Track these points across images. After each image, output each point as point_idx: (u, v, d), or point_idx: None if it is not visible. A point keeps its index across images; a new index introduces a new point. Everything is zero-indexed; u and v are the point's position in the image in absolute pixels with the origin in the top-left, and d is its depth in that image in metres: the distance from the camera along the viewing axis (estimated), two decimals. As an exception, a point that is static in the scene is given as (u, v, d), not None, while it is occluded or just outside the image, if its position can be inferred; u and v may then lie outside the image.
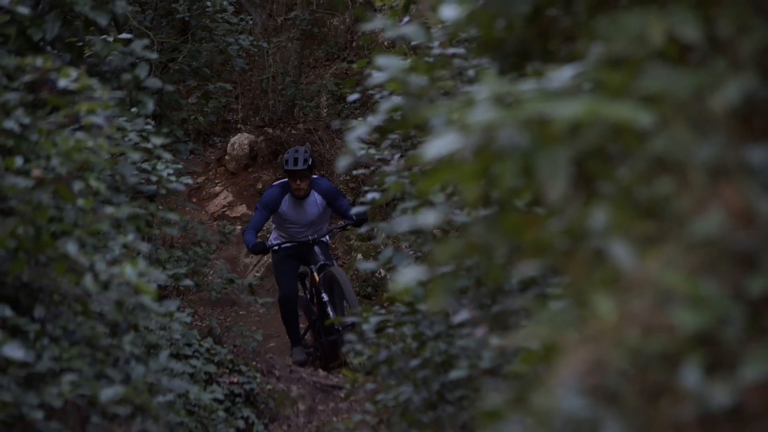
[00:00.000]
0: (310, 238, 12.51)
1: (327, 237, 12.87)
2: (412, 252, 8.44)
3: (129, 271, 5.27)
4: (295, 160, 12.29)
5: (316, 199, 12.53)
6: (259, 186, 16.99)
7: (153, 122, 7.80)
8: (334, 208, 12.57)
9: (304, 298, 13.15)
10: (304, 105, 17.81)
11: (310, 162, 12.36)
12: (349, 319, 8.43)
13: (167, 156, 7.27)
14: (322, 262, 12.52)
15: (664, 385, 2.27)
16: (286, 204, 12.50)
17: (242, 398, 11.92)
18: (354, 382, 9.13)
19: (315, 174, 13.07)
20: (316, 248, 12.58)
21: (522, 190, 2.55)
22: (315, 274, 12.52)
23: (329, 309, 12.33)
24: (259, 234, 12.65)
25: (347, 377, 9.24)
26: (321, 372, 12.38)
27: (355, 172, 8.57)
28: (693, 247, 2.32)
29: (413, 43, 4.14)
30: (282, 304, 12.74)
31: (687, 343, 2.23)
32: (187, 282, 8.30)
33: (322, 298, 12.40)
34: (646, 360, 2.28)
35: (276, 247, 12.46)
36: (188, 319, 9.61)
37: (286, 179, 12.54)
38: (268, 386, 12.51)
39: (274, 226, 12.91)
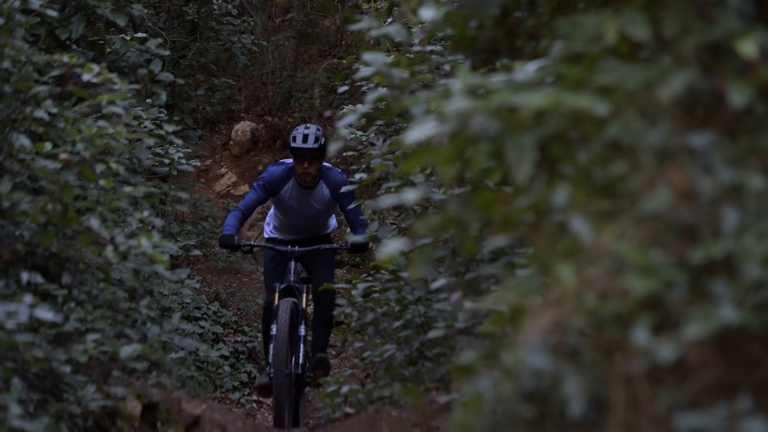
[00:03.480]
0: (291, 249, 9.02)
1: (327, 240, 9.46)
2: (395, 226, 8.44)
3: (145, 243, 5.27)
4: (305, 137, 8.79)
5: (323, 191, 9.08)
6: (260, 168, 16.95)
7: (166, 111, 7.78)
8: (339, 205, 9.14)
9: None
10: (300, 96, 17.78)
11: (322, 142, 8.78)
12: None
13: (178, 141, 7.26)
14: (289, 283, 8.97)
15: (617, 343, 2.27)
16: (289, 190, 9.09)
17: (245, 355, 11.93)
18: (344, 341, 9.14)
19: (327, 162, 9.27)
20: (292, 264, 9.06)
21: (492, 171, 2.54)
22: (275, 294, 8.89)
23: (271, 345, 8.61)
24: (249, 219, 10.07)
25: (339, 336, 9.25)
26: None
27: (344, 154, 8.53)
28: (643, 222, 2.32)
29: (396, 41, 4.12)
30: (265, 313, 9.23)
31: (637, 305, 2.23)
32: (196, 252, 8.30)
33: (270, 329, 8.71)
34: (601, 321, 2.28)
35: (246, 248, 8.97)
36: (197, 286, 9.63)
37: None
38: (268, 344, 12.52)
39: (273, 206, 9.51)
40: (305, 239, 9.39)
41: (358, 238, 8.15)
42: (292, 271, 9.01)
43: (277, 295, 8.83)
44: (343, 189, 7.87)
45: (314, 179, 8.95)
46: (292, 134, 8.92)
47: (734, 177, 2.25)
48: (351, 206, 8.73)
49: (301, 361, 8.73)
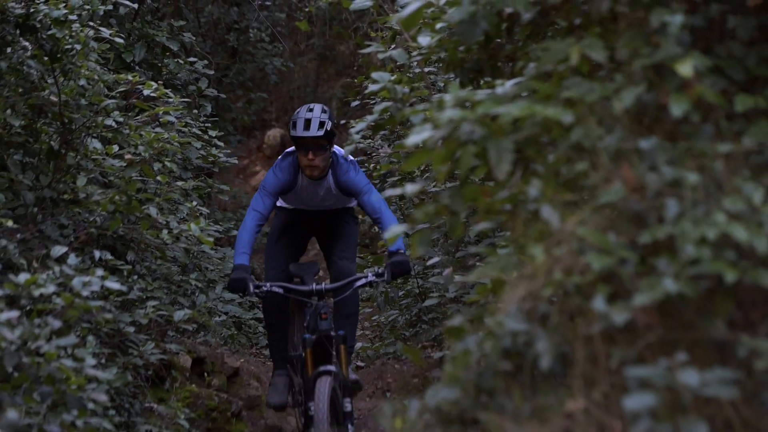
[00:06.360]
0: (317, 287, 5.68)
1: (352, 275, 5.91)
2: (398, 213, 8.41)
3: (194, 227, 5.28)
4: (306, 123, 5.73)
5: (331, 186, 5.97)
6: (288, 166, 16.93)
7: (210, 120, 7.78)
8: (360, 204, 5.94)
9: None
10: (320, 108, 17.77)
11: (329, 127, 5.76)
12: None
13: (221, 144, 7.25)
14: (320, 333, 5.64)
15: (579, 309, 2.27)
16: (300, 186, 5.97)
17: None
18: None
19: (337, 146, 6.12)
20: (320, 305, 5.71)
21: (478, 169, 2.54)
22: (304, 342, 5.65)
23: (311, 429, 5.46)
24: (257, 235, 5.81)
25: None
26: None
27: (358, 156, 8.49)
28: (601, 210, 2.32)
29: (398, 62, 4.12)
30: (268, 305, 6.09)
31: (596, 278, 2.23)
32: (235, 232, 8.28)
33: (308, 407, 5.53)
34: (566, 291, 2.28)
35: (261, 293, 5.62)
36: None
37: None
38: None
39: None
40: (320, 212, 6.26)
41: (399, 246, 5.62)
42: (321, 311, 5.70)
43: (309, 351, 5.65)
44: (355, 184, 5.85)
45: (322, 171, 5.89)
46: (292, 119, 5.88)
47: (674, 174, 2.25)
48: (369, 199, 5.84)
49: None
